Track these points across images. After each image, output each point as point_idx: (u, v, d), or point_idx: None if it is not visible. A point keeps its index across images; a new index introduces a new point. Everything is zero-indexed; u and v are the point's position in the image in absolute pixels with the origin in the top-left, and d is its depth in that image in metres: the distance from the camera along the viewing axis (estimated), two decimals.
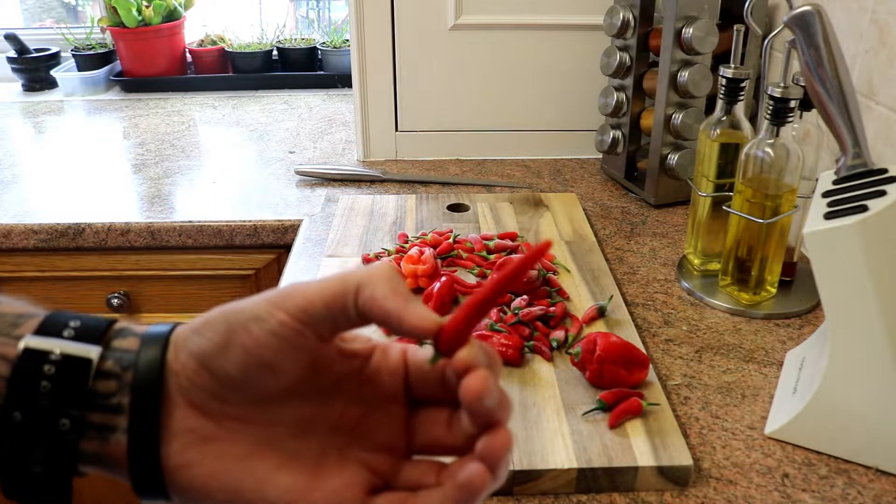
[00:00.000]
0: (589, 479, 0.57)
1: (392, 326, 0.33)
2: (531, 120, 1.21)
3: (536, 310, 0.73)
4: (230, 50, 1.64)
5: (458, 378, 0.32)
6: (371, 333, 0.70)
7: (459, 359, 0.32)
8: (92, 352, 0.32)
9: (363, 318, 0.33)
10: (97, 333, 0.33)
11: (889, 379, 0.57)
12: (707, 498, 0.57)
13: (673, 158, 0.99)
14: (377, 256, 0.85)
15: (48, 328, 0.33)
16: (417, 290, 0.79)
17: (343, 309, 0.33)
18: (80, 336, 0.33)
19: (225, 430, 0.33)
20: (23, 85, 1.65)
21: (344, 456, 0.35)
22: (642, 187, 1.06)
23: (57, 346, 0.32)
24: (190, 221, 1.01)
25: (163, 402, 0.33)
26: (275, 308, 0.33)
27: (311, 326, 0.33)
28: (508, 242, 0.87)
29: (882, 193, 0.56)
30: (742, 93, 0.79)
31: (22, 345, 0.32)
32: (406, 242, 0.88)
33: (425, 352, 0.36)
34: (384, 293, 0.32)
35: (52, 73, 1.61)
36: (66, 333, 0.33)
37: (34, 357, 0.32)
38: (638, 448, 0.58)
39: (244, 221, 1.02)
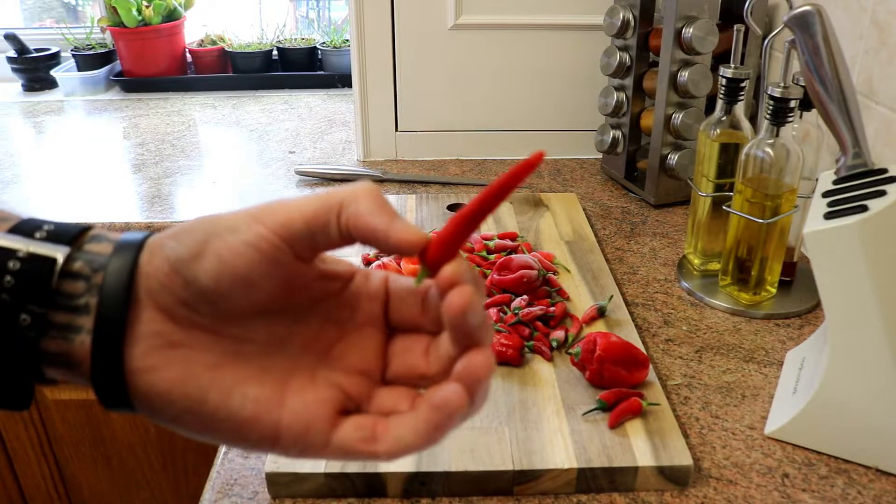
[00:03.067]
0: (589, 479, 0.57)
1: (378, 242, 0.31)
2: (531, 120, 1.21)
3: (536, 310, 0.73)
4: (230, 50, 1.64)
5: (443, 293, 0.31)
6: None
7: (445, 274, 0.31)
8: (59, 252, 0.32)
9: (345, 237, 0.32)
10: (68, 236, 0.33)
11: (889, 379, 0.57)
12: (707, 498, 0.57)
13: (673, 158, 0.99)
14: (377, 256, 0.85)
15: (21, 229, 0.33)
16: None
17: (324, 226, 0.32)
18: (52, 238, 0.32)
19: (193, 338, 0.32)
20: (23, 85, 1.65)
21: (315, 375, 0.34)
22: (642, 187, 1.06)
23: (24, 244, 0.32)
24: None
25: (131, 305, 0.32)
26: (254, 221, 0.32)
27: (290, 242, 0.32)
28: (508, 242, 0.87)
29: (882, 193, 0.56)
30: (742, 93, 0.79)
31: None
32: None
33: (406, 279, 0.35)
34: (369, 209, 0.31)
35: (52, 73, 1.61)
36: (37, 234, 0.32)
37: (0, 254, 0.31)
38: (638, 448, 0.58)
39: None
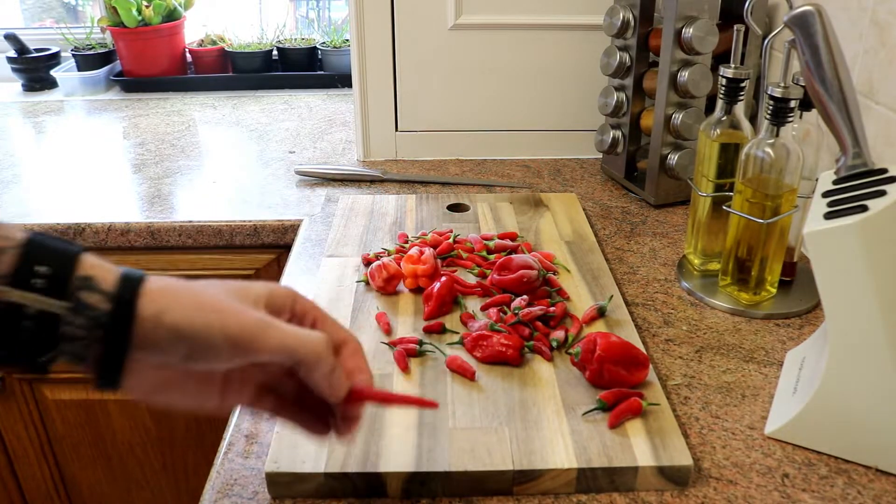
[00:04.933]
0: (589, 478, 0.57)
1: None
2: (531, 120, 1.21)
3: (536, 310, 0.73)
4: (230, 50, 1.64)
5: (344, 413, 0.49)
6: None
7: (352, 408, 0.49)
8: (62, 307, 0.39)
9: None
10: (64, 283, 0.39)
11: (889, 379, 0.57)
12: (707, 498, 0.57)
13: (673, 158, 0.99)
14: (377, 256, 0.85)
15: (23, 275, 0.38)
16: (417, 290, 0.79)
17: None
18: (51, 288, 0.38)
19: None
20: (23, 85, 1.65)
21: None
22: (642, 187, 1.06)
23: (30, 300, 0.38)
24: (190, 221, 1.01)
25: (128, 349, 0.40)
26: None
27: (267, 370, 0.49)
28: (508, 242, 0.87)
29: (882, 193, 0.56)
30: (742, 93, 0.79)
31: (4, 297, 0.38)
32: (406, 242, 0.88)
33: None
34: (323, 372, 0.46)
35: (52, 73, 1.61)
36: (37, 283, 0.38)
37: (13, 310, 0.38)
38: (638, 448, 0.58)
39: (244, 221, 1.02)
